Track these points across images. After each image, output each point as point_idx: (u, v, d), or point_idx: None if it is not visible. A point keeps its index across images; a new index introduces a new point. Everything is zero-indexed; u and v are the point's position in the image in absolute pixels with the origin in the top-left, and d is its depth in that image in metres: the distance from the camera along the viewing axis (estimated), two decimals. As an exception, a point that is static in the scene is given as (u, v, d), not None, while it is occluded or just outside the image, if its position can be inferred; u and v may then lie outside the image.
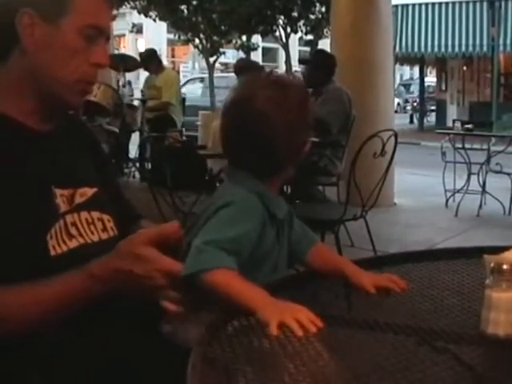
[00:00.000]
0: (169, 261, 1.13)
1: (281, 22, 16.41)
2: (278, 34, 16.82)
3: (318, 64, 5.02)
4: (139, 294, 1.18)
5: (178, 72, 17.65)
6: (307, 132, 1.33)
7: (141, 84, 9.16)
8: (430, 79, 23.36)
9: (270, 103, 1.26)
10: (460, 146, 6.39)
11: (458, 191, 6.46)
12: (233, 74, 7.51)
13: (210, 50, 17.01)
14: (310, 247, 1.38)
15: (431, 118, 21.06)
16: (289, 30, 16.56)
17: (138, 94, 10.74)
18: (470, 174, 6.39)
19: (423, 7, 16.39)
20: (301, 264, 1.41)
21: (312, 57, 5.54)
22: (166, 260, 1.13)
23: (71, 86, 1.24)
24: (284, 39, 16.80)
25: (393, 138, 3.79)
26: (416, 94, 22.41)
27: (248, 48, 18.42)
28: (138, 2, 16.37)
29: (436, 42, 16.37)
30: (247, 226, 1.21)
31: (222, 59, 19.89)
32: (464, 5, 16.04)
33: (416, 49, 16.64)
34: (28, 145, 1.25)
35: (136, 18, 20.00)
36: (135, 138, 8.09)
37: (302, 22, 16.58)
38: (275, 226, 1.29)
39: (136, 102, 8.05)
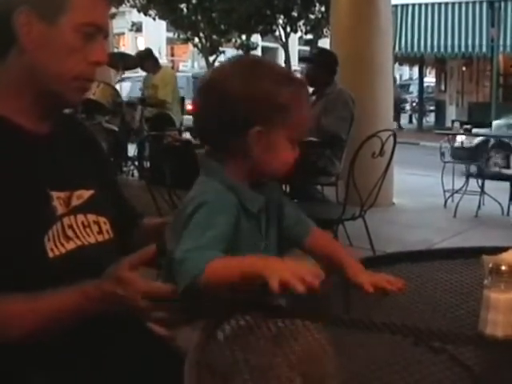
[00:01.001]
0: (147, 283, 1.16)
1: (280, 21, 16.42)
2: (277, 33, 16.83)
3: (321, 62, 4.96)
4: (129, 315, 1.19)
5: (177, 71, 17.63)
6: (271, 114, 1.20)
7: (140, 83, 9.14)
8: (430, 79, 23.37)
9: (231, 75, 1.21)
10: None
11: (457, 192, 6.47)
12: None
13: (210, 49, 17.03)
14: (307, 233, 1.35)
15: (430, 119, 21.07)
16: (288, 29, 16.57)
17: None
18: (468, 175, 6.40)
19: (423, 7, 16.39)
20: (298, 249, 1.38)
21: (314, 55, 5.46)
22: (145, 282, 1.16)
23: (70, 84, 1.24)
24: (283, 38, 16.81)
25: (392, 138, 3.80)
26: (415, 94, 22.41)
27: (247, 47, 18.44)
28: (137, 1, 16.38)
29: (435, 43, 16.38)
30: (223, 223, 1.17)
31: (222, 58, 19.89)
32: (464, 5, 16.05)
33: (415, 49, 16.65)
34: (25, 147, 1.24)
35: (135, 16, 20.01)
36: (134, 137, 8.08)
37: (301, 22, 16.60)
38: (252, 219, 1.25)
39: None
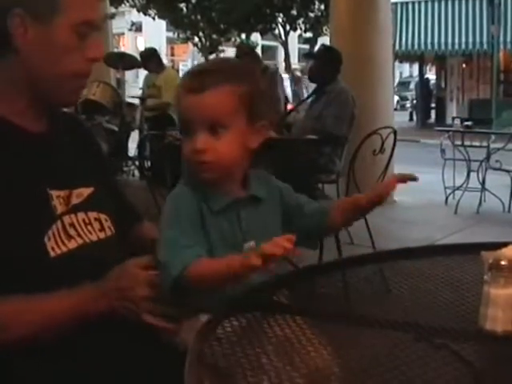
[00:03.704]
0: (149, 273, 1.18)
1: (280, 19, 16.41)
2: (277, 31, 16.83)
3: (325, 60, 4.95)
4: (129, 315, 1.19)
5: (178, 71, 17.63)
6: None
7: (140, 83, 9.15)
8: (430, 77, 23.34)
9: None
10: (459, 143, 6.39)
11: (458, 188, 6.46)
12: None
13: (209, 48, 17.02)
14: (326, 215, 1.35)
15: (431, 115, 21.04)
16: (288, 27, 16.56)
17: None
18: (469, 172, 6.39)
19: (423, 4, 16.39)
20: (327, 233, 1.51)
21: (319, 52, 5.45)
22: (147, 273, 1.18)
23: (68, 83, 1.24)
24: (283, 37, 16.81)
25: (392, 136, 3.80)
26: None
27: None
28: (137, 1, 16.37)
29: (436, 40, 16.36)
30: (184, 219, 1.18)
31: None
32: (464, 2, 16.04)
33: (416, 46, 16.64)
34: (22, 146, 1.24)
35: (135, 16, 20.01)
36: (134, 137, 8.08)
37: (301, 20, 16.59)
38: (219, 216, 1.22)
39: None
